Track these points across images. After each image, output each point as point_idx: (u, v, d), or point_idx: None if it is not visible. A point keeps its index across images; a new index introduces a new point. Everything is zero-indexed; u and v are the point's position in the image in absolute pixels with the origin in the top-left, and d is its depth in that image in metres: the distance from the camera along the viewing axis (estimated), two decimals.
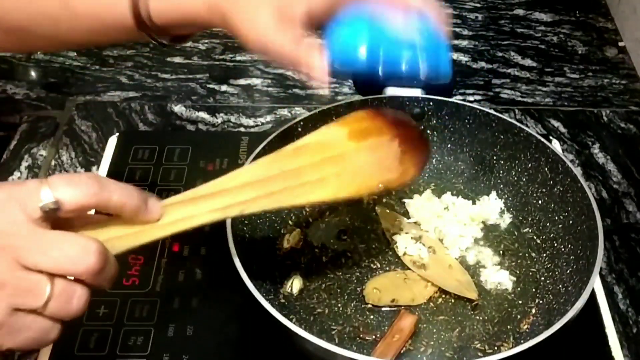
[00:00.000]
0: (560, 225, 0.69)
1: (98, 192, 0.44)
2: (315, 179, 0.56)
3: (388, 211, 0.74)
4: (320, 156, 0.58)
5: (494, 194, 0.75)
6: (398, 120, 0.64)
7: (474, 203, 0.75)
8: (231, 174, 0.54)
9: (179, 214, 0.51)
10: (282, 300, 0.66)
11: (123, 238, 0.48)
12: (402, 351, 0.62)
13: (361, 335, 0.64)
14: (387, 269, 0.69)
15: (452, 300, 0.66)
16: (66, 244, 0.42)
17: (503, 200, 0.74)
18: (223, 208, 0.53)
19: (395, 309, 0.66)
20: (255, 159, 0.67)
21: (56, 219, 0.43)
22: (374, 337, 0.63)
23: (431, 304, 0.66)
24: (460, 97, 0.93)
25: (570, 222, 0.67)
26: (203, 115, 0.90)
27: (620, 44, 1.03)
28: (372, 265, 0.69)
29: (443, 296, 0.67)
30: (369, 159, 0.59)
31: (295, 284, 0.67)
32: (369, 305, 0.66)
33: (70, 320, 0.44)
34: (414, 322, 0.63)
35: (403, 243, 0.70)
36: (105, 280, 0.45)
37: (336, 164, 0.58)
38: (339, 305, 0.66)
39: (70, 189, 0.43)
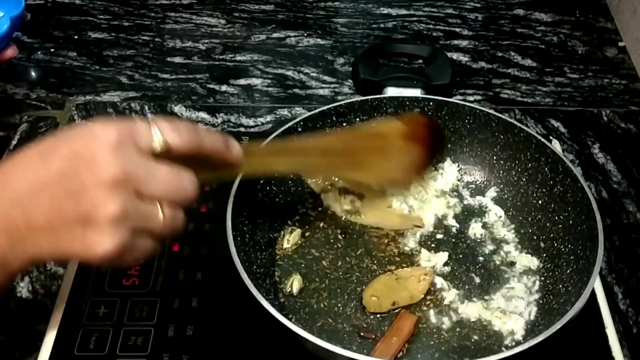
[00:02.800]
0: (560, 225, 0.69)
1: (196, 140, 0.49)
2: (363, 162, 0.67)
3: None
4: (377, 144, 0.68)
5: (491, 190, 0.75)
6: (438, 137, 0.73)
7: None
8: (312, 138, 0.67)
9: (258, 160, 0.60)
10: (282, 300, 0.66)
11: (209, 173, 0.53)
12: (401, 351, 0.62)
13: (362, 334, 0.64)
14: (387, 269, 0.69)
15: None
16: (175, 177, 0.48)
17: (503, 198, 0.75)
18: (294, 163, 0.64)
19: (396, 309, 0.66)
20: None
21: (160, 156, 0.48)
22: (373, 337, 0.63)
23: (431, 303, 0.66)
24: (460, 97, 0.93)
25: (570, 222, 0.67)
26: (203, 115, 0.90)
27: (620, 44, 1.03)
28: (371, 265, 0.69)
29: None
30: (405, 159, 0.69)
31: (295, 284, 0.67)
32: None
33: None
34: (414, 322, 0.63)
35: (330, 199, 0.73)
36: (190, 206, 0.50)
37: (385, 156, 0.68)
38: (339, 305, 0.66)
39: (176, 134, 0.48)
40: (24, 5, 0.87)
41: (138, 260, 0.48)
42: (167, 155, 0.48)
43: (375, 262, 0.70)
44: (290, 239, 0.71)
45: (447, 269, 0.69)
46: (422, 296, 0.66)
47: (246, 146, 0.56)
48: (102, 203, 0.44)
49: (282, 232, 0.71)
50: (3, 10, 0.89)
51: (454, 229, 0.73)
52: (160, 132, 0.48)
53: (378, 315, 0.65)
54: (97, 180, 0.44)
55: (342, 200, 0.73)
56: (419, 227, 0.71)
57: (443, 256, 0.70)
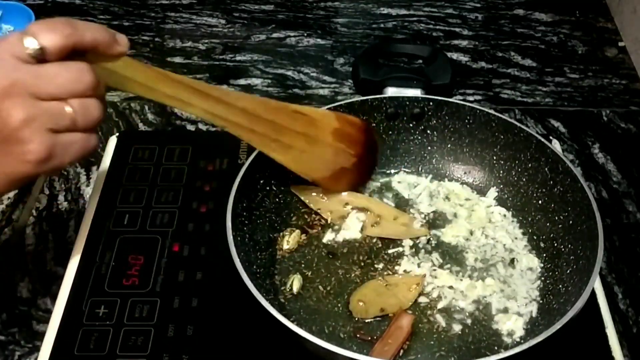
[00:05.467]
0: (560, 225, 0.69)
1: (73, 33, 0.49)
2: (286, 143, 0.66)
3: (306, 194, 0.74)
4: (304, 130, 0.67)
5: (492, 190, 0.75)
6: (371, 146, 0.73)
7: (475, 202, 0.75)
8: (237, 94, 0.63)
9: (175, 90, 0.57)
10: (282, 300, 0.66)
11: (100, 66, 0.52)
12: (400, 351, 0.62)
13: (358, 335, 0.63)
14: (388, 268, 0.69)
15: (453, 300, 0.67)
16: (64, 71, 0.49)
17: (503, 199, 0.75)
18: (212, 113, 0.60)
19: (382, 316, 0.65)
20: (255, 158, 0.68)
21: (46, 59, 0.49)
22: (369, 339, 0.63)
23: (431, 303, 0.66)
24: (460, 97, 0.93)
25: (570, 222, 0.67)
26: None
27: (620, 44, 1.03)
28: (371, 265, 0.69)
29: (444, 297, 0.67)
30: (328, 157, 0.69)
31: (295, 284, 0.67)
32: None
33: (98, 129, 0.52)
34: (411, 322, 0.63)
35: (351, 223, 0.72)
36: (101, 92, 0.51)
37: (308, 143, 0.67)
38: (339, 305, 0.66)
39: (50, 34, 0.48)
40: (34, 20, 0.87)
41: (79, 157, 0.51)
42: (52, 56, 0.48)
43: (375, 262, 0.69)
44: (290, 240, 0.71)
45: (446, 269, 0.69)
46: (410, 304, 0.66)
47: (163, 72, 0.56)
48: (5, 115, 0.47)
49: (282, 233, 0.71)
50: (13, 24, 0.89)
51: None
52: (34, 37, 0.48)
53: (377, 315, 0.65)
54: None
55: (352, 218, 0.72)
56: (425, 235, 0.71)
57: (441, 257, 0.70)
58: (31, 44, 0.48)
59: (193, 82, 0.58)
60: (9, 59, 0.47)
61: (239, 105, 0.61)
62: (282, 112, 0.66)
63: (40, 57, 0.48)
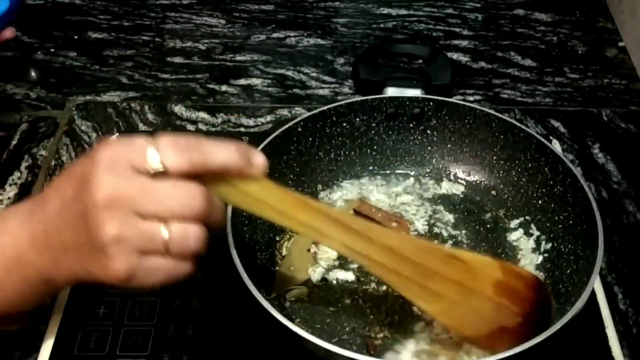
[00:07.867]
0: (560, 225, 0.69)
1: (202, 162, 0.46)
2: (436, 291, 0.56)
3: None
4: (459, 278, 0.57)
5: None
6: (542, 307, 0.61)
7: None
8: (382, 230, 0.55)
9: (312, 219, 0.51)
10: (283, 301, 0.66)
11: (228, 187, 0.49)
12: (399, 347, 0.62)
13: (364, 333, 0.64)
14: None
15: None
16: (175, 192, 0.45)
17: (503, 199, 0.75)
18: (351, 248, 0.53)
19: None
20: None
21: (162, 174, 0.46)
22: (374, 335, 0.63)
23: None
24: (460, 97, 0.93)
25: (570, 222, 0.67)
26: (203, 115, 0.90)
27: (620, 44, 1.03)
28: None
29: None
30: (487, 313, 0.58)
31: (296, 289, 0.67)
32: (369, 304, 0.66)
33: (198, 258, 0.48)
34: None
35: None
36: (213, 221, 0.48)
37: (462, 294, 0.57)
38: (339, 305, 0.66)
39: (176, 155, 0.45)
40: None
41: (163, 283, 0.47)
42: (171, 176, 0.46)
43: None
44: (289, 246, 0.70)
45: None
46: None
47: (301, 197, 0.51)
48: (100, 225, 0.44)
49: (282, 236, 0.71)
50: None
51: (450, 230, 0.73)
52: (157, 152, 0.45)
53: (378, 315, 0.65)
54: (93, 202, 0.44)
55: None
56: None
57: None
58: (154, 161, 0.45)
59: (333, 211, 0.52)
60: (126, 166, 0.45)
61: (383, 242, 0.54)
62: (434, 254, 0.57)
63: (159, 173, 0.45)
